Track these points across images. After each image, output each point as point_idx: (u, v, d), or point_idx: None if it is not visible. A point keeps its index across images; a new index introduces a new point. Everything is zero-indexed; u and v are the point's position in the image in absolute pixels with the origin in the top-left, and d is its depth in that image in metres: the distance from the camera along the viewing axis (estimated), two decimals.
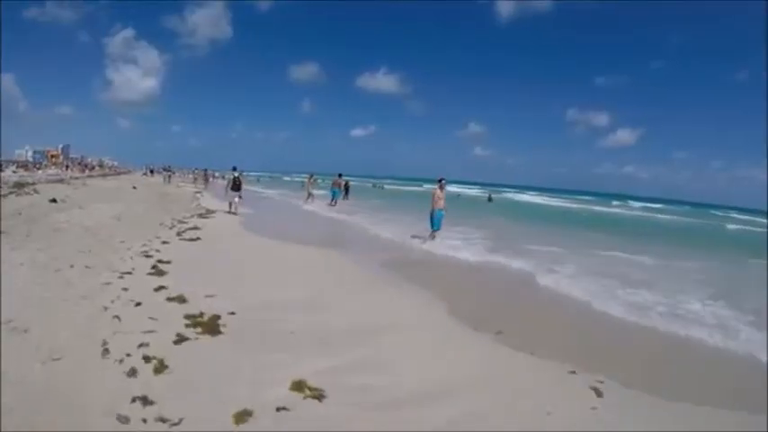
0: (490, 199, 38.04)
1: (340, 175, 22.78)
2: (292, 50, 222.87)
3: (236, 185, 15.94)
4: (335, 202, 21.49)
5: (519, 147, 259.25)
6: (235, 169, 16.94)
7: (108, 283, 5.20)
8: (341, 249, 9.80)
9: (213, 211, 15.53)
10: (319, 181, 24.85)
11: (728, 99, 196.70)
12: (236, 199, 15.82)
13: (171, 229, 10.46)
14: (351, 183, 26.46)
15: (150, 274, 5.87)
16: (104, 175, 42.64)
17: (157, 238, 8.78)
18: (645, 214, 40.69)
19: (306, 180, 23.90)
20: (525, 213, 27.47)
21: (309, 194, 22.08)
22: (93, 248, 7.05)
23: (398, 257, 9.27)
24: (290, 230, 12.76)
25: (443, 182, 11.22)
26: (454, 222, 13.49)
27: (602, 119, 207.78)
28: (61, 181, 26.32)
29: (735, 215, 52.30)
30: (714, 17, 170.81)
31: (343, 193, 23.92)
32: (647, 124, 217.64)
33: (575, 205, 45.60)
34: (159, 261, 6.59)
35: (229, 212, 15.46)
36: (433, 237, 10.95)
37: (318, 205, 20.75)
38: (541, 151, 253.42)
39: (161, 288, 5.17)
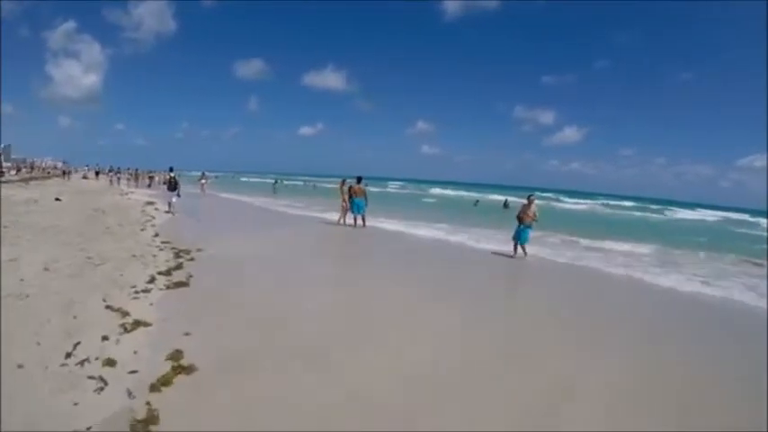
0: (506, 205, 32.55)
1: (359, 180, 15.71)
2: (237, 46, 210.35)
3: (171, 185, 16.52)
4: (363, 220, 15.01)
5: (467, 144, 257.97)
6: (171, 170, 17.78)
7: None
8: None
9: (188, 253, 8.68)
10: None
11: (673, 98, 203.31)
12: (174, 199, 16.21)
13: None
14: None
15: None
16: (27, 180, 33.31)
17: None
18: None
19: (340, 188, 16.13)
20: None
21: (344, 210, 15.46)
22: None
23: None
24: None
25: (533, 197, 11.18)
26: None
27: (548, 117, 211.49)
28: None
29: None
30: (659, 17, 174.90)
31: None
32: (593, 122, 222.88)
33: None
34: None
35: (168, 212, 15.56)
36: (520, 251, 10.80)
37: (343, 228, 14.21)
38: (489, 149, 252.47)
39: None
